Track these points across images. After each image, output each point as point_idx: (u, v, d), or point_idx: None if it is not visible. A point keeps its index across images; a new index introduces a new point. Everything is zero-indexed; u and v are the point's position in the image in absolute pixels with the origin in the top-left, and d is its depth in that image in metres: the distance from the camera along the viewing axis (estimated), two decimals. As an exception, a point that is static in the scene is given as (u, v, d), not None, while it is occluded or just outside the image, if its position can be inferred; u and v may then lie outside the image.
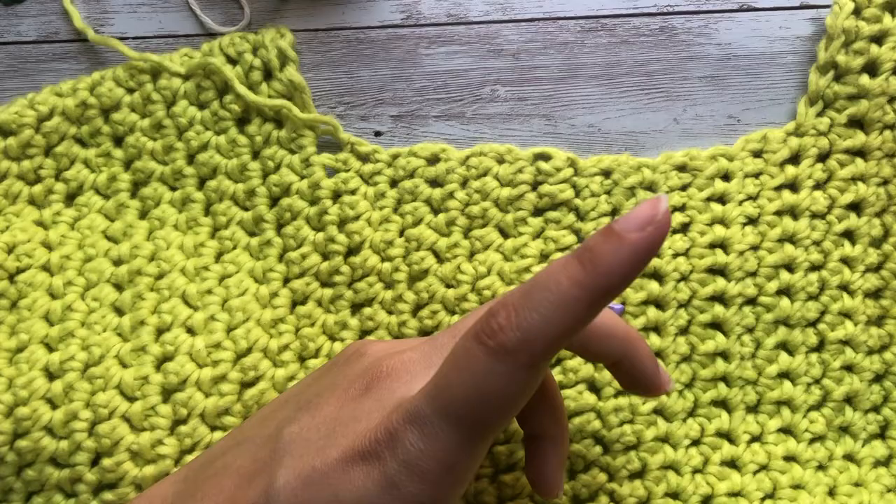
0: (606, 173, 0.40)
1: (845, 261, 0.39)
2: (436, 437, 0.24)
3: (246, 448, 0.30)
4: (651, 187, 0.40)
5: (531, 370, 0.23)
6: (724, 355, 0.39)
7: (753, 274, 0.39)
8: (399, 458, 0.24)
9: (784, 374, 0.39)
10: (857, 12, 0.39)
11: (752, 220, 0.39)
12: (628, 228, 0.22)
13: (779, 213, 0.39)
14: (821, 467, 0.39)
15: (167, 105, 0.40)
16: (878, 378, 0.40)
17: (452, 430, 0.24)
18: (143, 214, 0.40)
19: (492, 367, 0.23)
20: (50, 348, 0.36)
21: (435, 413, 0.24)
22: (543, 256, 0.40)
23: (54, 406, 0.35)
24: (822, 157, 0.40)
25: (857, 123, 0.40)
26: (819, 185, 0.40)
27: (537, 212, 0.40)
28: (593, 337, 0.30)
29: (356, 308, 0.40)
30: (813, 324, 0.39)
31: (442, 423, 0.24)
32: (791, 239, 0.39)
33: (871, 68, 0.39)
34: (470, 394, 0.23)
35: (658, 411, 0.39)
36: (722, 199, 0.40)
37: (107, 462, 0.35)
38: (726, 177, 0.40)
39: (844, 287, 0.39)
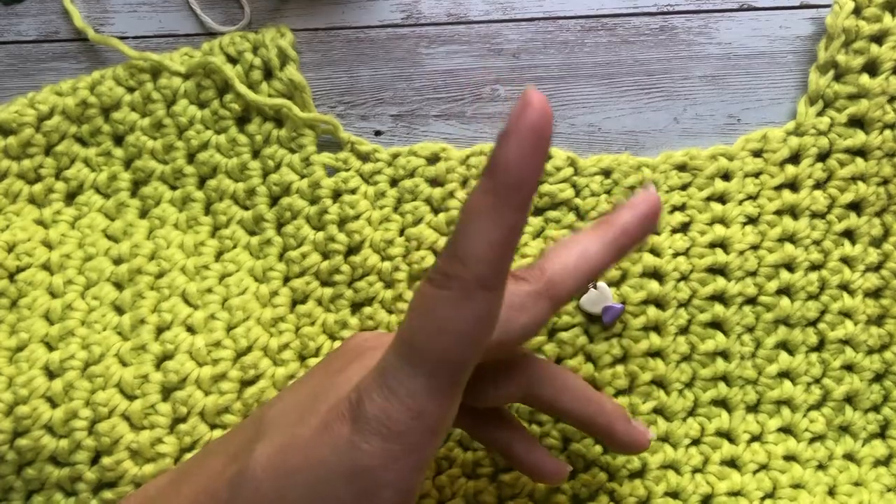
0: (606, 173, 0.40)
1: (845, 260, 0.39)
2: (401, 385, 0.23)
3: (237, 430, 0.30)
4: (651, 187, 0.40)
5: (479, 293, 0.23)
6: (724, 355, 0.39)
7: (753, 273, 0.39)
8: (369, 414, 0.24)
9: (784, 374, 0.39)
10: (857, 12, 0.39)
11: (752, 220, 0.39)
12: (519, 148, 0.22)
13: (779, 212, 0.39)
14: (821, 467, 0.39)
15: (167, 104, 0.40)
16: (878, 377, 0.40)
17: (417, 374, 0.23)
18: (143, 213, 0.40)
19: (440, 297, 0.23)
20: (50, 347, 0.36)
21: (399, 361, 0.24)
22: (543, 256, 0.40)
23: (54, 405, 0.35)
24: (822, 157, 0.40)
25: (857, 123, 0.40)
26: (819, 185, 0.40)
27: (537, 211, 0.40)
28: (560, 396, 0.31)
29: (356, 307, 0.40)
30: (813, 323, 0.39)
31: (406, 369, 0.23)
32: (791, 238, 0.39)
33: (871, 68, 0.39)
34: (427, 332, 0.23)
35: (658, 411, 0.39)
36: (722, 199, 0.40)
37: (106, 461, 0.35)
38: (726, 176, 0.40)
39: (844, 286, 0.39)
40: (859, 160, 0.39)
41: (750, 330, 0.39)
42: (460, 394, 0.25)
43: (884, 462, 0.39)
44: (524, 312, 0.28)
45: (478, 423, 0.33)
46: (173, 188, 0.40)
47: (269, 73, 0.40)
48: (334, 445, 0.24)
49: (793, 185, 0.40)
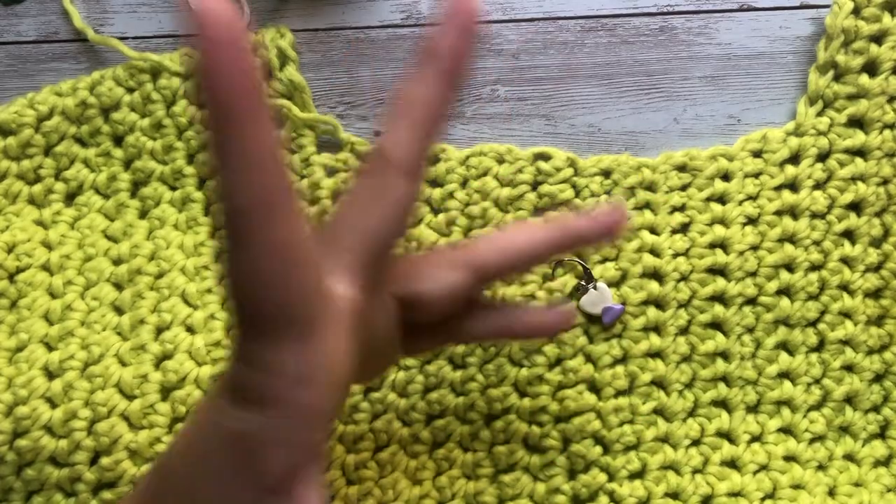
0: (606, 173, 0.40)
1: (845, 260, 0.39)
2: (252, 354, 0.23)
3: None
4: (651, 187, 0.40)
5: (247, 238, 0.22)
6: (724, 355, 0.39)
7: (753, 274, 0.39)
8: (237, 387, 0.24)
9: (784, 374, 0.39)
10: (856, 12, 0.39)
11: (752, 220, 0.39)
12: None
13: (779, 213, 0.39)
14: (821, 467, 0.39)
15: (167, 104, 0.40)
16: (878, 378, 0.40)
17: (257, 340, 0.23)
18: (142, 214, 0.40)
19: (225, 262, 0.23)
20: (49, 347, 0.37)
21: (240, 334, 0.24)
22: (543, 256, 0.40)
23: (54, 405, 0.35)
24: (822, 157, 0.40)
25: (856, 123, 0.40)
26: (819, 185, 0.40)
27: (537, 212, 0.40)
28: (510, 245, 0.31)
29: (356, 308, 0.40)
30: (813, 324, 0.39)
31: (248, 339, 0.23)
32: (791, 239, 0.39)
33: (871, 68, 0.39)
34: (238, 297, 0.23)
35: (658, 411, 0.39)
36: (722, 199, 0.40)
37: (105, 461, 0.35)
38: (726, 177, 0.40)
39: (844, 287, 0.39)
40: (859, 160, 0.39)
41: (750, 330, 0.39)
42: (322, 340, 0.24)
43: (884, 462, 0.39)
44: (439, 276, 0.30)
45: (463, 328, 0.33)
46: (173, 189, 0.40)
47: (268, 74, 0.40)
48: (216, 420, 0.24)
49: (793, 186, 0.40)
